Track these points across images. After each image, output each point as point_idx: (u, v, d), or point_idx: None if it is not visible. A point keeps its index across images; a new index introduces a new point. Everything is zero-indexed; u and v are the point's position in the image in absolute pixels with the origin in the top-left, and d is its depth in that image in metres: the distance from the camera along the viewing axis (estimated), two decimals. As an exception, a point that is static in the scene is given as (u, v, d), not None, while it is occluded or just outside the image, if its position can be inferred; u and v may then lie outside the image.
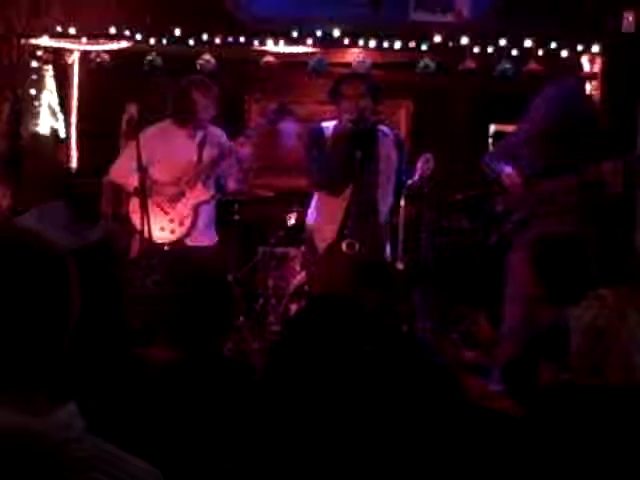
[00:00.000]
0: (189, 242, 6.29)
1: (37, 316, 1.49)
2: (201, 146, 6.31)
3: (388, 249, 5.95)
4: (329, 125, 5.83)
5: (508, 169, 5.70)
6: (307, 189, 6.11)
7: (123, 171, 6.19)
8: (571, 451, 2.63)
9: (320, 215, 5.91)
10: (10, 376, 1.45)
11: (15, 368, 1.46)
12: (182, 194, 6.27)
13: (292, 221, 7.09)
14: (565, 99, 5.48)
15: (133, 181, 6.00)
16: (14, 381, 1.46)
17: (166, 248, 6.20)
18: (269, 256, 7.12)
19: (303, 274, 6.74)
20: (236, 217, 7.18)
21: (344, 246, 5.72)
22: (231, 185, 6.46)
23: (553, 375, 3.27)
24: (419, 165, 5.77)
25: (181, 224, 6.28)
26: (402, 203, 5.99)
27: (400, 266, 6.14)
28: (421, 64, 7.43)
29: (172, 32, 7.38)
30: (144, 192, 5.76)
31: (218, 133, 6.39)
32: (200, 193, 6.30)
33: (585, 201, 5.57)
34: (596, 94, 7.40)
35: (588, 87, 7.47)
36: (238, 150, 6.21)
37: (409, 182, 5.81)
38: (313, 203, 5.97)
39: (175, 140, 6.26)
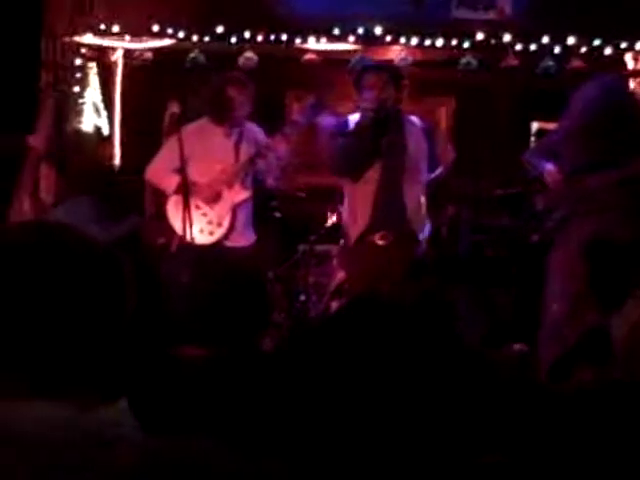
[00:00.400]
0: (228, 243, 6.23)
1: (92, 312, 1.50)
2: (238, 144, 6.24)
3: (423, 235, 5.87)
4: (354, 117, 5.79)
5: (550, 166, 5.65)
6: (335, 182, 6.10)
7: (159, 172, 6.19)
8: (621, 453, 2.60)
9: (350, 207, 5.89)
10: (63, 371, 1.47)
11: (68, 363, 1.47)
12: (220, 195, 6.20)
13: (333, 218, 7.01)
14: (603, 95, 5.40)
15: (169, 182, 6.04)
16: (67, 376, 1.47)
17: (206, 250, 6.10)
18: (310, 253, 7.07)
19: (343, 272, 6.62)
20: (277, 214, 7.19)
21: (377, 238, 5.72)
22: (270, 182, 6.37)
23: (596, 377, 3.23)
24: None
25: (219, 225, 6.23)
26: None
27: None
28: (463, 61, 7.45)
29: (214, 29, 7.40)
30: (187, 191, 5.74)
31: (255, 130, 6.32)
32: (238, 193, 6.23)
33: (626, 198, 5.48)
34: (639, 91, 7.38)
35: (632, 84, 7.46)
36: (276, 147, 6.14)
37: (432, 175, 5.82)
38: (345, 197, 5.97)
39: (212, 139, 6.20)
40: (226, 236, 6.21)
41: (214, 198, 6.19)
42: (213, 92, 6.16)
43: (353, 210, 5.87)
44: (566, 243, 5.62)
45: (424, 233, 5.86)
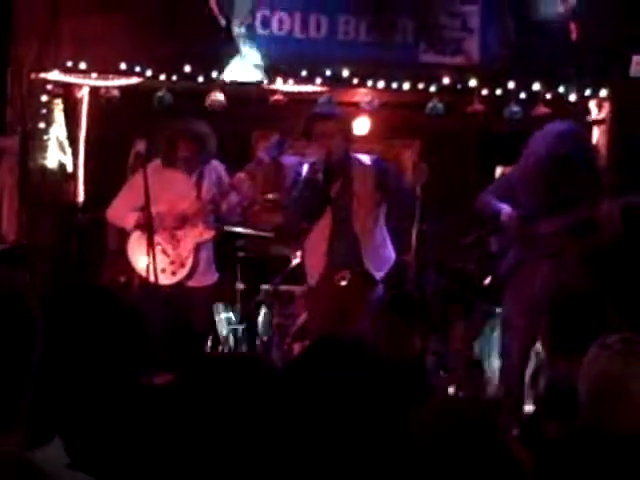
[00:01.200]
0: (190, 283, 6.16)
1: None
2: (199, 182, 6.21)
3: (381, 273, 5.92)
4: (306, 162, 5.88)
5: (506, 207, 5.73)
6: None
7: (119, 211, 6.15)
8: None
9: (308, 249, 6.02)
10: None
11: None
12: (183, 234, 6.14)
13: (297, 259, 6.94)
14: (556, 141, 5.47)
15: (129, 219, 6.01)
16: None
17: (167, 291, 6.04)
18: (273, 294, 7.07)
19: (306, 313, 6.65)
20: (240, 254, 7.17)
21: (337, 279, 5.80)
22: (234, 220, 6.52)
23: (560, 430, 3.23)
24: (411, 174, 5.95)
25: (182, 265, 6.13)
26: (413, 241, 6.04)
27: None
28: (430, 105, 7.44)
29: (182, 69, 7.36)
30: (151, 231, 5.66)
31: (216, 166, 6.29)
32: (202, 232, 6.17)
33: (577, 243, 5.59)
34: (603, 139, 7.48)
35: (595, 131, 7.56)
36: (239, 186, 6.11)
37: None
38: (305, 240, 6.04)
39: (172, 176, 6.15)
40: (189, 276, 6.13)
41: (177, 237, 6.13)
42: (164, 142, 6.16)
43: (311, 252, 5.97)
44: (518, 289, 5.72)
45: (382, 271, 5.91)
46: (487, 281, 6.04)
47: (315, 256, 5.91)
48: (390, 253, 5.96)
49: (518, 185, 5.74)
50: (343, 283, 5.78)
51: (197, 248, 6.14)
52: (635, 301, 6.38)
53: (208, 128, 6.22)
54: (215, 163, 6.28)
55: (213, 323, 6.95)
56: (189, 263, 6.11)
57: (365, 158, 5.95)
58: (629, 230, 5.82)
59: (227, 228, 6.60)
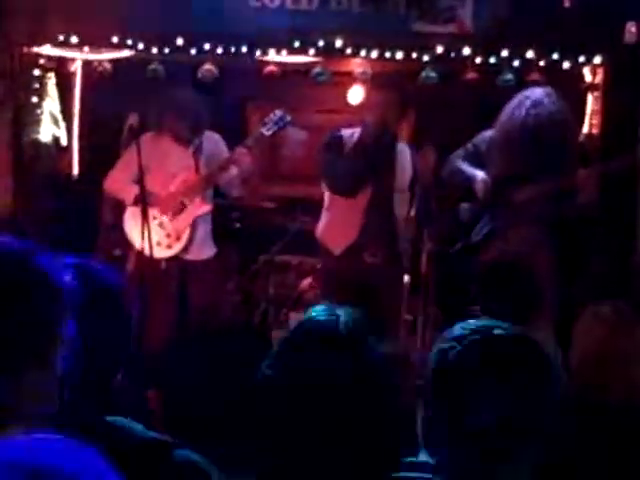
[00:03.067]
0: (188, 257, 6.27)
1: None
2: (197, 154, 6.30)
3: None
4: (348, 132, 5.96)
5: (480, 173, 5.74)
6: (319, 194, 6.20)
7: (117, 182, 6.22)
8: (570, 468, 2.64)
9: (333, 221, 6.01)
10: None
11: None
12: (180, 207, 6.23)
13: (294, 229, 7.16)
14: (528, 108, 5.50)
15: (128, 192, 6.05)
16: None
17: (163, 264, 6.17)
18: (270, 264, 7.24)
19: (305, 282, 6.95)
20: (237, 225, 7.41)
21: (367, 256, 5.83)
22: (234, 193, 6.47)
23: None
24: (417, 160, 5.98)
25: (178, 239, 6.23)
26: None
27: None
28: (423, 74, 7.45)
29: (174, 42, 7.37)
30: (145, 202, 5.68)
31: (215, 138, 6.39)
32: (200, 206, 6.28)
33: (553, 211, 5.61)
34: (597, 105, 7.51)
35: (589, 97, 7.60)
36: (238, 160, 6.17)
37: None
38: (326, 208, 6.05)
39: (169, 149, 6.23)
40: (185, 250, 6.24)
41: (174, 210, 6.20)
42: (153, 113, 6.30)
43: (338, 224, 5.96)
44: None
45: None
46: (457, 247, 6.00)
47: (344, 227, 5.92)
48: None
49: (489, 152, 5.75)
50: (370, 260, 5.82)
51: (194, 221, 6.24)
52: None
53: (195, 96, 6.36)
54: (214, 136, 6.38)
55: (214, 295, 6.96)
56: (185, 236, 6.21)
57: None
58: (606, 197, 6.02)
59: (225, 201, 6.69)
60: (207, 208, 6.30)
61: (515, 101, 5.63)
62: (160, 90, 6.90)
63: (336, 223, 5.98)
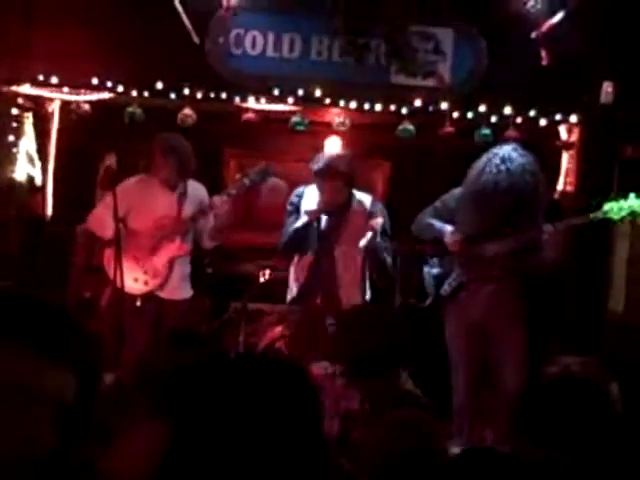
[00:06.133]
0: (163, 295, 6.43)
1: None
2: (181, 199, 6.46)
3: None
4: (308, 190, 6.30)
5: (449, 227, 5.86)
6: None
7: (101, 220, 6.30)
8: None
9: (292, 271, 6.41)
10: None
11: None
12: (159, 247, 6.38)
13: (266, 277, 7.19)
14: (499, 166, 5.55)
15: (110, 231, 6.11)
16: None
17: (138, 302, 6.31)
18: (242, 312, 7.19)
19: (276, 330, 6.96)
20: (209, 271, 7.38)
21: (312, 303, 6.24)
22: (206, 243, 6.62)
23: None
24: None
25: (155, 276, 6.38)
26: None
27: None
28: (401, 127, 7.59)
29: (154, 85, 7.50)
30: (119, 243, 5.86)
31: (198, 187, 6.58)
32: (178, 247, 6.44)
33: (522, 265, 5.69)
34: (572, 163, 7.66)
35: (565, 155, 7.74)
36: (217, 207, 6.36)
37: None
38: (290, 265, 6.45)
39: (155, 192, 6.42)
40: (161, 287, 6.40)
41: (153, 250, 6.38)
42: (146, 154, 6.47)
43: (292, 274, 6.38)
44: (461, 312, 5.87)
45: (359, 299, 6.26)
46: (427, 302, 6.06)
47: (295, 280, 6.30)
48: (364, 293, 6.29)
49: (458, 208, 5.87)
50: (317, 301, 6.14)
51: (173, 261, 6.42)
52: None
53: (187, 144, 6.47)
54: (198, 185, 6.57)
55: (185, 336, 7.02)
56: (162, 274, 6.39)
57: (366, 200, 6.33)
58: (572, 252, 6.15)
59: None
60: (186, 250, 6.47)
61: (483, 159, 5.71)
62: (139, 133, 7.06)
63: (293, 274, 6.37)
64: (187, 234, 6.47)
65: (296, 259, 6.37)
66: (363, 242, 5.99)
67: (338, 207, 6.20)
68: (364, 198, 6.35)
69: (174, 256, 6.42)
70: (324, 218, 6.26)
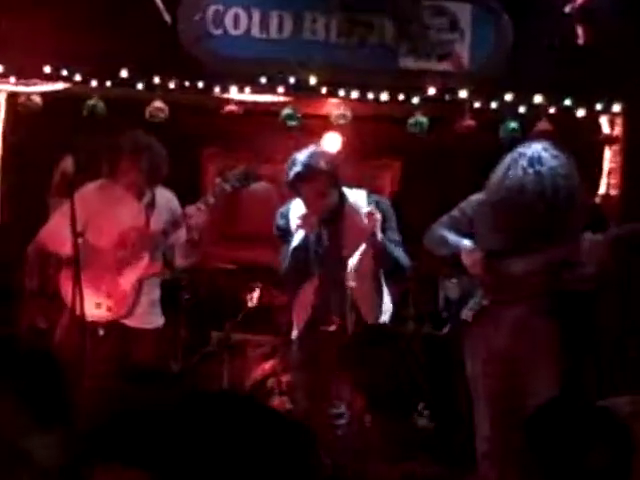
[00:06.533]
0: (130, 323, 6.19)
1: None
2: (149, 209, 6.26)
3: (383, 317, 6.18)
4: (293, 206, 6.13)
5: (468, 243, 5.68)
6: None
7: (56, 235, 6.08)
8: None
9: (295, 303, 6.17)
10: None
11: None
12: (124, 266, 6.18)
13: (254, 301, 7.09)
14: (523, 167, 5.35)
15: (68, 248, 5.91)
16: None
17: (101, 331, 6.09)
18: (224, 344, 7.06)
19: (266, 366, 6.92)
20: (186, 296, 7.25)
21: (325, 326, 5.96)
22: (179, 261, 6.43)
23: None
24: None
25: (120, 301, 6.18)
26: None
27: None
28: (412, 120, 7.49)
29: (118, 73, 7.40)
30: (77, 261, 5.60)
31: (168, 196, 6.38)
32: (147, 266, 6.21)
33: (552, 283, 5.52)
34: (616, 160, 7.57)
35: (607, 152, 7.64)
36: (192, 218, 6.16)
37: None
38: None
39: (119, 200, 6.21)
40: (127, 314, 6.18)
41: (118, 269, 6.18)
42: (108, 157, 6.28)
43: (299, 304, 6.15)
44: (484, 341, 5.68)
45: (383, 315, 6.13)
46: (445, 329, 5.91)
47: (302, 308, 6.09)
48: (387, 301, 6.17)
49: (479, 218, 5.68)
50: (331, 328, 5.94)
51: (140, 282, 6.21)
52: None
53: (158, 144, 6.27)
54: (167, 192, 6.40)
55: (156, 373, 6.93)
56: (129, 299, 6.19)
57: (360, 197, 6.14)
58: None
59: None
60: (155, 269, 6.25)
61: (508, 160, 5.45)
62: (100, 130, 6.86)
63: (298, 306, 6.17)
64: (156, 250, 6.21)
65: (298, 292, 6.16)
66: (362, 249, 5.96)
67: (330, 213, 5.98)
68: (358, 195, 6.17)
69: (142, 277, 6.19)
70: (316, 233, 6.06)
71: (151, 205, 6.26)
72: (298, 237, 6.05)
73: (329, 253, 6.04)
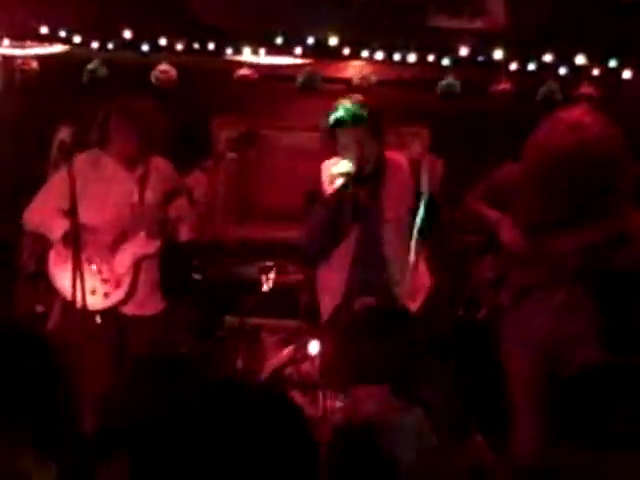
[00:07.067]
0: (128, 310, 6.06)
1: None
2: (143, 181, 6.11)
3: (417, 304, 5.94)
4: (324, 167, 5.81)
5: (507, 220, 5.55)
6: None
7: (42, 213, 5.97)
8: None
9: (321, 281, 5.98)
10: None
11: None
12: (119, 245, 6.02)
13: (269, 283, 6.88)
14: (567, 135, 5.13)
15: (55, 226, 5.86)
16: None
17: (98, 319, 5.95)
18: (239, 329, 6.88)
19: (284, 353, 6.65)
20: (196, 276, 7.11)
21: (357, 305, 5.76)
22: (184, 233, 6.24)
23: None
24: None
25: (118, 285, 6.05)
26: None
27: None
28: (442, 83, 7.49)
29: (121, 34, 7.32)
30: (77, 241, 5.45)
31: (164, 164, 6.23)
32: (143, 244, 6.06)
33: (604, 264, 5.33)
34: None
35: None
36: (192, 188, 6.13)
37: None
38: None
39: (110, 173, 6.08)
40: (125, 300, 6.05)
41: (112, 249, 6.04)
42: (98, 121, 6.13)
43: (326, 282, 5.94)
44: (523, 326, 5.51)
45: (417, 301, 5.90)
46: (481, 314, 5.96)
47: (331, 287, 5.89)
48: (425, 278, 5.98)
49: (515, 190, 5.49)
50: (363, 306, 5.75)
51: (137, 264, 6.09)
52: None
53: (154, 107, 6.15)
54: (163, 161, 6.26)
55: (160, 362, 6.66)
56: (126, 283, 6.07)
57: (396, 158, 5.96)
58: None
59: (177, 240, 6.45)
60: (152, 247, 6.08)
61: (546, 126, 5.22)
62: (101, 97, 6.59)
63: (324, 285, 5.96)
64: (153, 226, 6.05)
65: (324, 266, 5.93)
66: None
67: (371, 167, 5.73)
68: (397, 158, 5.97)
69: (139, 256, 6.04)
70: (351, 193, 5.75)
71: (145, 176, 6.13)
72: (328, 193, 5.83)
73: (368, 215, 5.80)
